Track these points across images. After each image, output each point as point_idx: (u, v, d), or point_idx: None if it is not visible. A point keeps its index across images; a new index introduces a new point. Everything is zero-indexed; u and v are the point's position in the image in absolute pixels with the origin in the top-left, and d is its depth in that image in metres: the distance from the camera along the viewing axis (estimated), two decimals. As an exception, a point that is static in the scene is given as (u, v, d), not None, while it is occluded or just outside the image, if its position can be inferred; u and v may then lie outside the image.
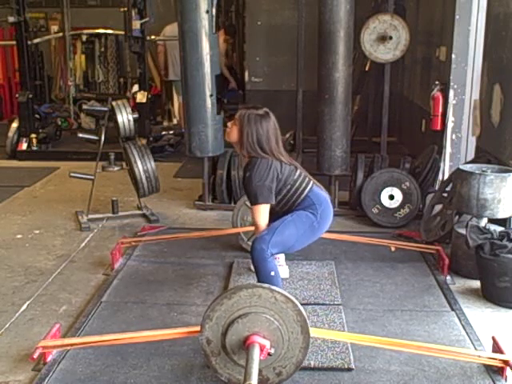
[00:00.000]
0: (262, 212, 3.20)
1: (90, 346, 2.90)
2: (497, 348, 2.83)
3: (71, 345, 2.92)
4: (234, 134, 3.27)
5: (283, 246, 3.21)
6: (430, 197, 4.82)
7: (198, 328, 2.64)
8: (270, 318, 2.50)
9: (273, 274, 3.12)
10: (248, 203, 4.96)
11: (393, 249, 4.26)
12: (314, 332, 2.68)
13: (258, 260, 3.13)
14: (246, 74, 8.49)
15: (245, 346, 2.49)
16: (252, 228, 4.28)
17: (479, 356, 2.83)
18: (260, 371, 2.51)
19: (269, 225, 3.26)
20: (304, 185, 3.26)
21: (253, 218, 3.28)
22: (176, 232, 4.56)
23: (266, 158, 3.19)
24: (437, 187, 4.97)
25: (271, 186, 3.17)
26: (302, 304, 2.62)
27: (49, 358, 2.85)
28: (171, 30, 7.99)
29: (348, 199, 5.22)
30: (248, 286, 2.57)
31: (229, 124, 3.33)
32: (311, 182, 3.30)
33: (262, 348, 2.46)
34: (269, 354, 2.48)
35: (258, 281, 3.10)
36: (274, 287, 2.58)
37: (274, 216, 3.29)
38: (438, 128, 5.33)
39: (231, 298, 2.51)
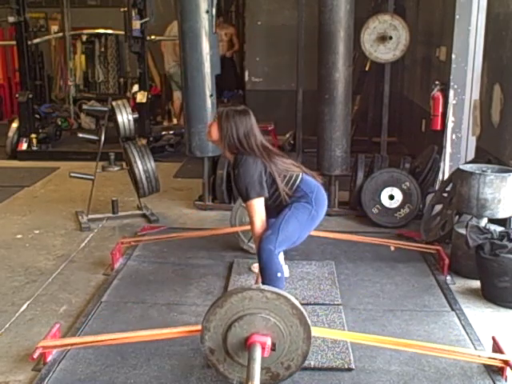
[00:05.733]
0: (257, 207, 3.14)
1: (89, 345, 2.90)
2: (497, 348, 2.83)
3: (71, 344, 2.92)
4: (214, 132, 3.24)
5: (289, 241, 3.19)
6: (430, 197, 4.82)
7: (196, 327, 2.65)
8: (265, 317, 2.51)
9: (279, 275, 3.10)
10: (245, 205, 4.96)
11: (392, 248, 4.26)
12: (314, 331, 2.69)
13: (266, 261, 3.09)
14: (246, 73, 8.50)
15: (246, 346, 2.50)
16: (244, 227, 4.27)
17: (479, 356, 2.83)
18: (269, 368, 2.55)
19: (265, 222, 3.23)
20: (294, 177, 3.23)
21: (249, 215, 3.22)
22: (176, 232, 4.56)
23: (248, 154, 3.15)
24: (437, 187, 4.97)
25: (261, 179, 3.13)
26: (302, 304, 2.62)
27: (49, 358, 2.85)
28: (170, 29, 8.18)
29: (348, 199, 5.23)
30: (237, 290, 2.56)
31: (209, 123, 3.32)
32: (301, 173, 3.27)
33: (263, 346, 2.46)
34: (272, 350, 2.49)
35: (263, 282, 3.07)
36: (262, 287, 2.59)
37: (268, 212, 3.25)
38: (438, 128, 5.33)
39: (223, 306, 2.52)
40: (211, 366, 2.65)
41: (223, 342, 2.55)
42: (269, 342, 2.48)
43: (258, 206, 3.15)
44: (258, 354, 2.43)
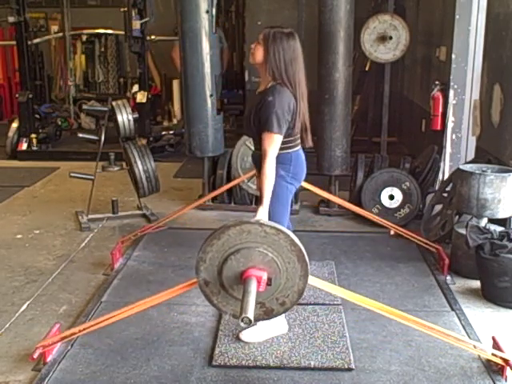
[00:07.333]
0: (275, 142, 2.89)
1: (90, 331, 2.92)
2: (497, 348, 2.83)
3: (71, 335, 2.92)
4: (259, 54, 3.03)
5: (284, 223, 3.05)
6: (430, 197, 4.82)
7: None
8: (263, 251, 2.47)
9: None
10: (248, 143, 4.91)
11: (392, 232, 4.26)
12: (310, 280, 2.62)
13: None
14: (246, 73, 8.49)
15: (241, 280, 2.47)
16: (249, 174, 4.46)
17: (474, 346, 2.84)
18: (263, 304, 2.53)
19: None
20: (297, 142, 3.08)
21: (263, 147, 2.92)
22: (176, 232, 4.56)
23: (285, 85, 2.97)
24: (437, 187, 4.97)
25: (287, 117, 2.94)
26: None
27: (49, 358, 2.85)
28: None
29: (348, 199, 5.22)
30: (235, 223, 2.50)
31: (252, 45, 3.08)
32: (299, 145, 3.11)
33: (259, 280, 2.43)
34: (268, 285, 2.46)
35: None
36: (262, 221, 2.53)
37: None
38: (438, 128, 5.33)
39: (220, 238, 2.49)
40: (205, 299, 2.62)
41: (218, 274, 2.52)
42: (265, 276, 2.45)
43: (276, 142, 2.92)
44: (253, 287, 2.39)
